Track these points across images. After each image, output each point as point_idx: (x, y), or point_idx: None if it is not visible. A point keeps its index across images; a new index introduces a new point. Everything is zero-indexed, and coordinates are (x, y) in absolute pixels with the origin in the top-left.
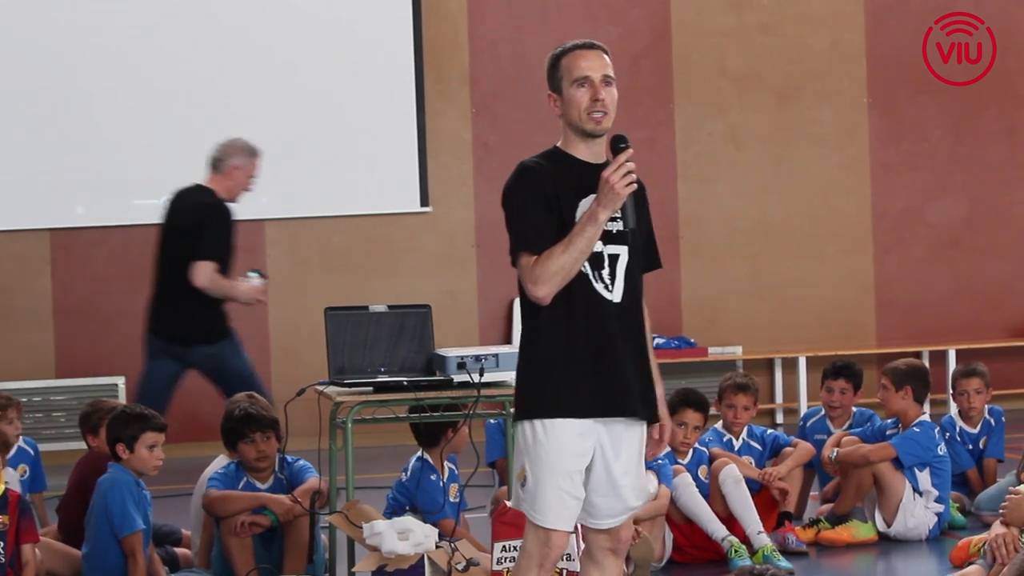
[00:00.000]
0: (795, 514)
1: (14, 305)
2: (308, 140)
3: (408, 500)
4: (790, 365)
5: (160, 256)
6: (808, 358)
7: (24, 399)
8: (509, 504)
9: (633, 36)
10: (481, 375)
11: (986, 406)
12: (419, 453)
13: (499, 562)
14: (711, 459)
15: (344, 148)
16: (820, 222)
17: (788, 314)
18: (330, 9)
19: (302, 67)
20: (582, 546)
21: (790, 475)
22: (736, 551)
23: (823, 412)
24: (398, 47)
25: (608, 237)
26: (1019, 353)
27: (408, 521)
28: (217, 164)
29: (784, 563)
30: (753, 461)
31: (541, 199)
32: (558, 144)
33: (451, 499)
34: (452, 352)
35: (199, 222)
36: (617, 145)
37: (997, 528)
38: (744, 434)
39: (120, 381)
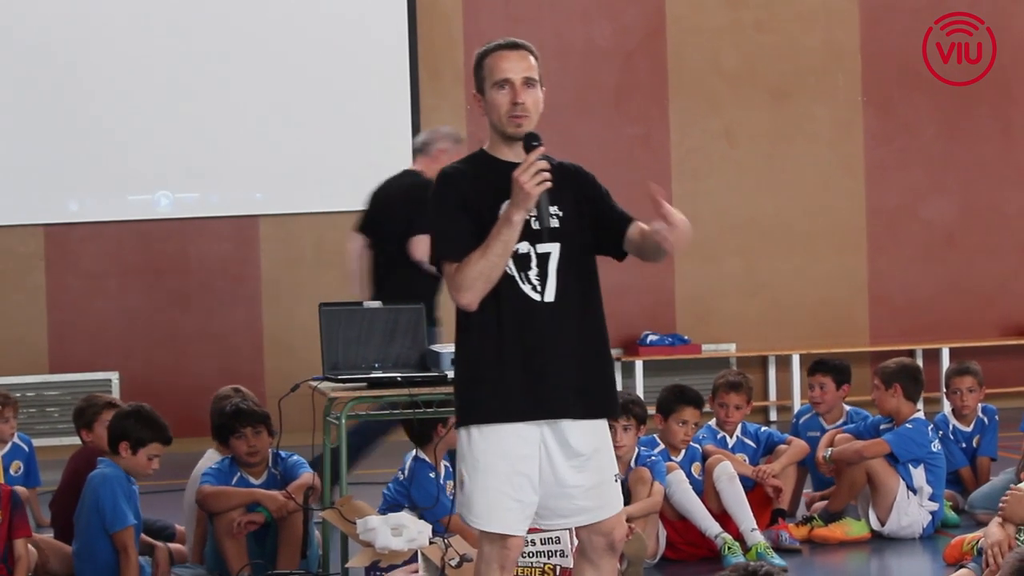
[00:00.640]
0: (789, 512)
1: (8, 300)
2: (302, 136)
3: (405, 498)
4: (784, 362)
5: (374, 241)
6: (802, 355)
7: (18, 394)
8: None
9: (627, 33)
10: None
11: (979, 405)
12: (415, 452)
13: None
14: (705, 456)
15: (339, 144)
16: (814, 220)
17: (782, 311)
18: (326, 5)
19: (297, 63)
20: (575, 543)
21: (784, 472)
22: (729, 548)
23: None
24: (393, 43)
25: (536, 236)
26: (1013, 352)
27: (402, 517)
28: (425, 147)
29: (778, 560)
30: (747, 459)
31: (459, 206)
32: (485, 146)
33: (448, 495)
34: (446, 348)
35: (408, 203)
36: (529, 143)
37: (994, 528)
38: (738, 431)
39: (114, 376)
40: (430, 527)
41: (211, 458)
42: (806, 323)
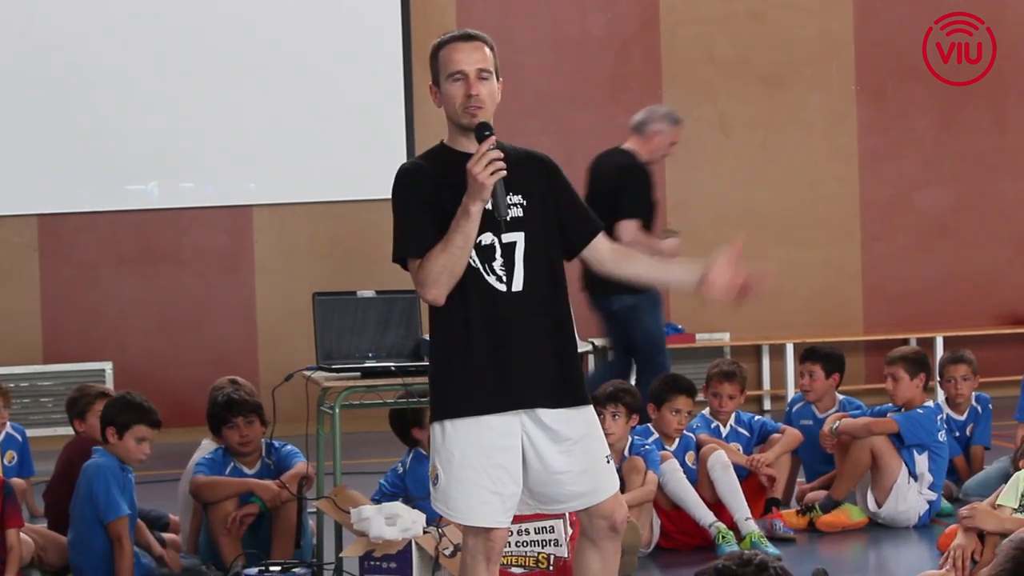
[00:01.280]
0: (783, 500)
1: (2, 290)
2: (296, 126)
3: (401, 489)
4: (777, 352)
5: None
6: (795, 344)
7: (11, 384)
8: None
9: (621, 23)
10: None
11: (973, 393)
12: (414, 450)
13: None
14: (699, 445)
15: (332, 134)
16: (808, 209)
17: (775, 301)
18: None
19: (291, 53)
20: (569, 531)
21: (778, 461)
22: (723, 537)
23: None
24: (387, 34)
25: (499, 226)
26: (1006, 340)
27: (396, 506)
28: (641, 127)
29: (772, 549)
30: (740, 448)
31: (419, 201)
32: (444, 139)
33: None
34: None
35: (619, 182)
36: (481, 133)
37: (959, 534)
38: (731, 421)
39: (107, 366)
40: (424, 516)
41: (206, 448)
42: (800, 312)
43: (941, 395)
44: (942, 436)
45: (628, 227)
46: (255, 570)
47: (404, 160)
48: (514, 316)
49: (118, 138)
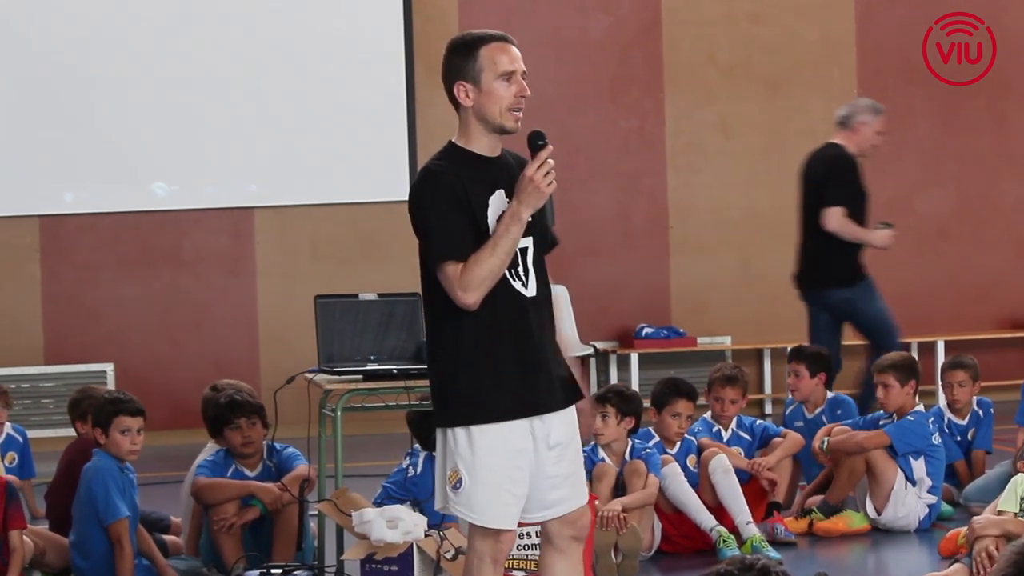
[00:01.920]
0: (784, 504)
1: (3, 291)
2: (298, 128)
3: (406, 492)
4: (779, 356)
5: (801, 211)
6: None
7: (12, 386)
8: (437, 507)
9: (623, 25)
10: None
11: (975, 398)
12: (427, 452)
13: None
14: (700, 449)
15: (334, 137)
16: None
17: (777, 304)
18: None
19: (293, 56)
20: None
21: (779, 465)
22: (725, 541)
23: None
24: (388, 37)
25: (526, 232)
26: (1008, 344)
27: (397, 509)
28: (846, 121)
29: (773, 553)
30: (742, 452)
31: (455, 203)
32: (454, 139)
33: None
34: None
35: (827, 173)
36: (535, 143)
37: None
38: (733, 425)
39: (109, 368)
40: (425, 520)
41: (210, 451)
42: (801, 316)
43: (943, 399)
44: (936, 439)
45: (832, 214)
46: (256, 572)
47: (406, 163)
48: (532, 320)
49: (120, 140)
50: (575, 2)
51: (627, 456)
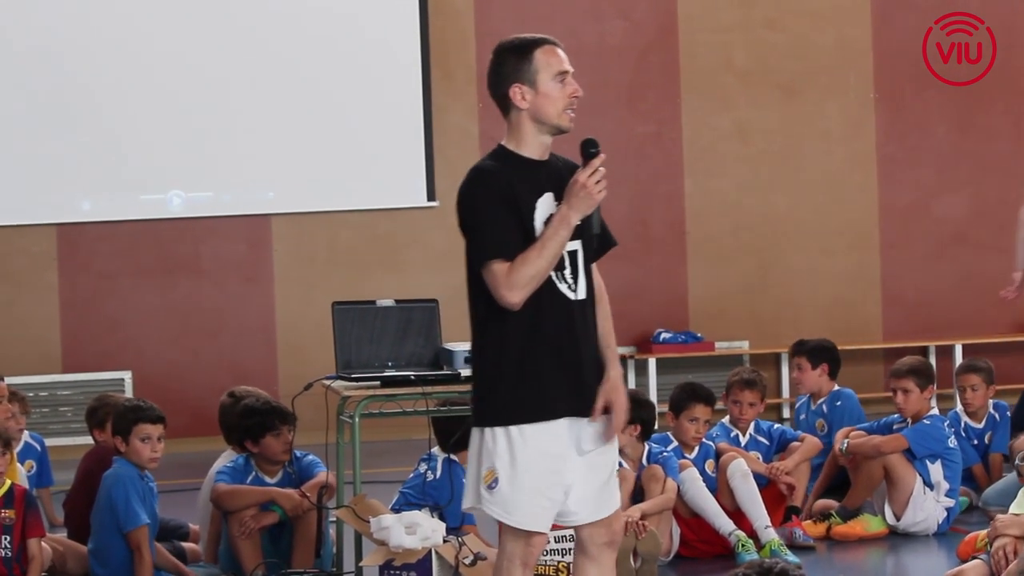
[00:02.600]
0: (802, 508)
1: (21, 300)
2: (315, 135)
3: (425, 497)
4: None
5: None
6: None
7: (31, 394)
8: (465, 507)
9: (639, 31)
10: None
11: (991, 401)
12: (445, 455)
13: None
14: (718, 454)
15: (351, 143)
16: (826, 217)
17: (794, 309)
18: (337, 5)
19: (309, 63)
20: None
21: (797, 470)
22: (743, 545)
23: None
24: (404, 43)
25: (571, 236)
26: None
27: (416, 515)
28: None
29: (792, 557)
30: (760, 456)
31: (505, 203)
32: (503, 142)
33: None
34: (459, 346)
35: None
36: (588, 150)
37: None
38: (751, 429)
39: (127, 376)
40: (444, 525)
41: (227, 458)
42: (819, 320)
43: (959, 403)
44: (952, 442)
45: None
46: None
47: (422, 169)
48: (579, 323)
49: (137, 148)
50: (591, 8)
51: (644, 461)
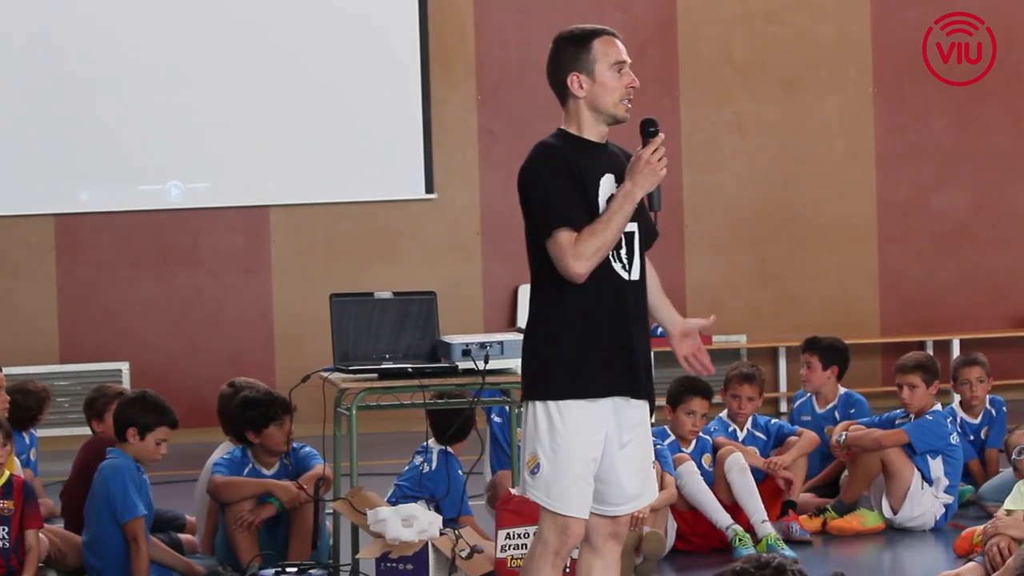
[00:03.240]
0: (799, 503)
1: (18, 290)
2: (313, 127)
3: (421, 490)
4: (794, 354)
5: None
6: None
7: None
8: (515, 492)
9: (638, 24)
10: (486, 362)
11: (987, 396)
12: (441, 447)
13: (503, 549)
14: (715, 448)
15: (349, 135)
16: (825, 211)
17: (792, 303)
18: None
19: (308, 54)
20: None
21: (795, 464)
22: (740, 540)
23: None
24: (404, 35)
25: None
26: (1022, 343)
27: (412, 508)
28: None
29: (788, 552)
30: (757, 451)
31: (571, 177)
32: (563, 127)
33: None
34: (457, 339)
35: None
36: (648, 129)
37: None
38: (748, 424)
39: (124, 366)
40: (440, 518)
41: (224, 449)
42: (817, 315)
43: (956, 398)
44: (954, 438)
45: None
46: (272, 571)
47: (421, 161)
48: (632, 304)
49: (135, 138)
50: (591, 1)
51: None
